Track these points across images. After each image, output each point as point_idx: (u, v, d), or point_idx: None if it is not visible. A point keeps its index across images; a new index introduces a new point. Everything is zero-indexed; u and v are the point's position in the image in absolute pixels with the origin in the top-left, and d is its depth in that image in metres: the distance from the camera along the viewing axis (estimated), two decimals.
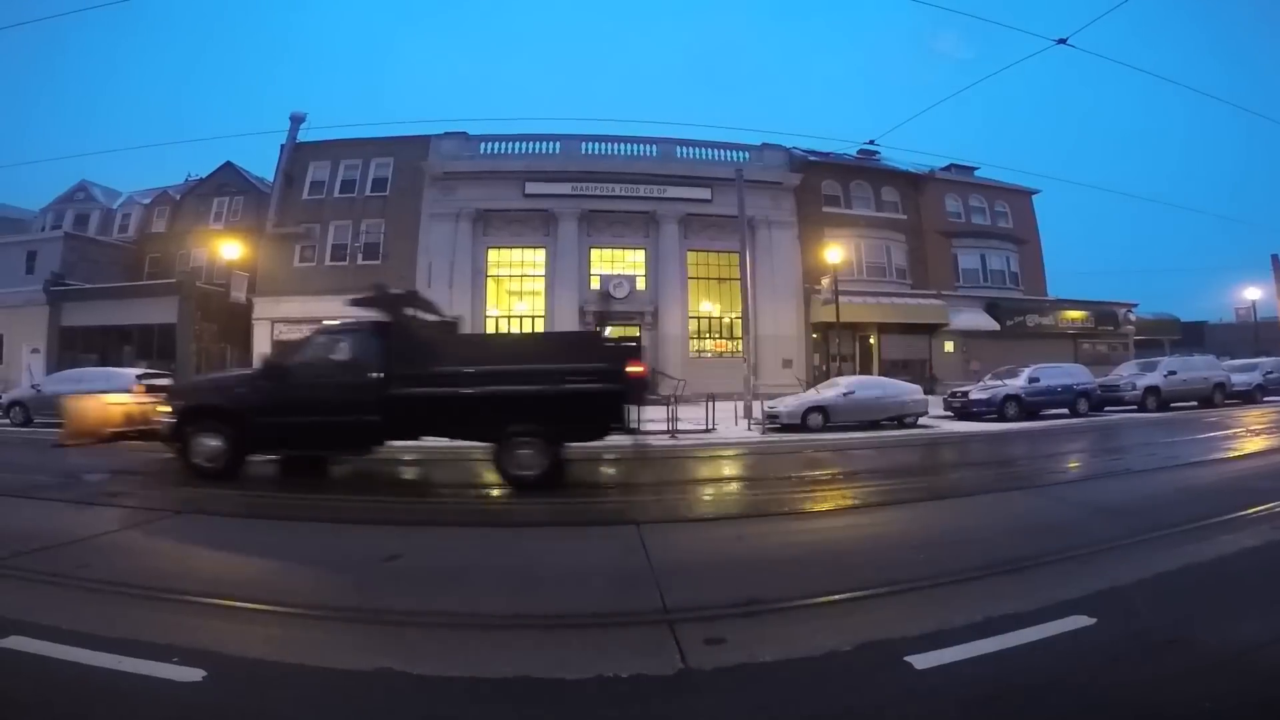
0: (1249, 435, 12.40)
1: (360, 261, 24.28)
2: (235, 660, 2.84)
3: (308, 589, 4.00)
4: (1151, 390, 18.08)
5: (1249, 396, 19.75)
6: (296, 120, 25.70)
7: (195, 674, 2.65)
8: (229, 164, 28.80)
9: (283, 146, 25.55)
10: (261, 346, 23.82)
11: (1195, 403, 18.60)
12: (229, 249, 21.25)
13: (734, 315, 24.17)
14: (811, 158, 26.86)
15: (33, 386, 15.99)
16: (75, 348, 23.61)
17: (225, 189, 28.25)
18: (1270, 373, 21.11)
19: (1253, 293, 31.56)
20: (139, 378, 15.01)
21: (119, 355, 22.25)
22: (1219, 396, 18.92)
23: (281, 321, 24.19)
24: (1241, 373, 20.40)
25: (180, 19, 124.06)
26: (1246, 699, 2.46)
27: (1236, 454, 10.07)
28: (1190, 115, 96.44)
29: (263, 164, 28.18)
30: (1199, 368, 19.51)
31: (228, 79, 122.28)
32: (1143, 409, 17.66)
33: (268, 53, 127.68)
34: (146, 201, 30.40)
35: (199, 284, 24.67)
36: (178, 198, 29.65)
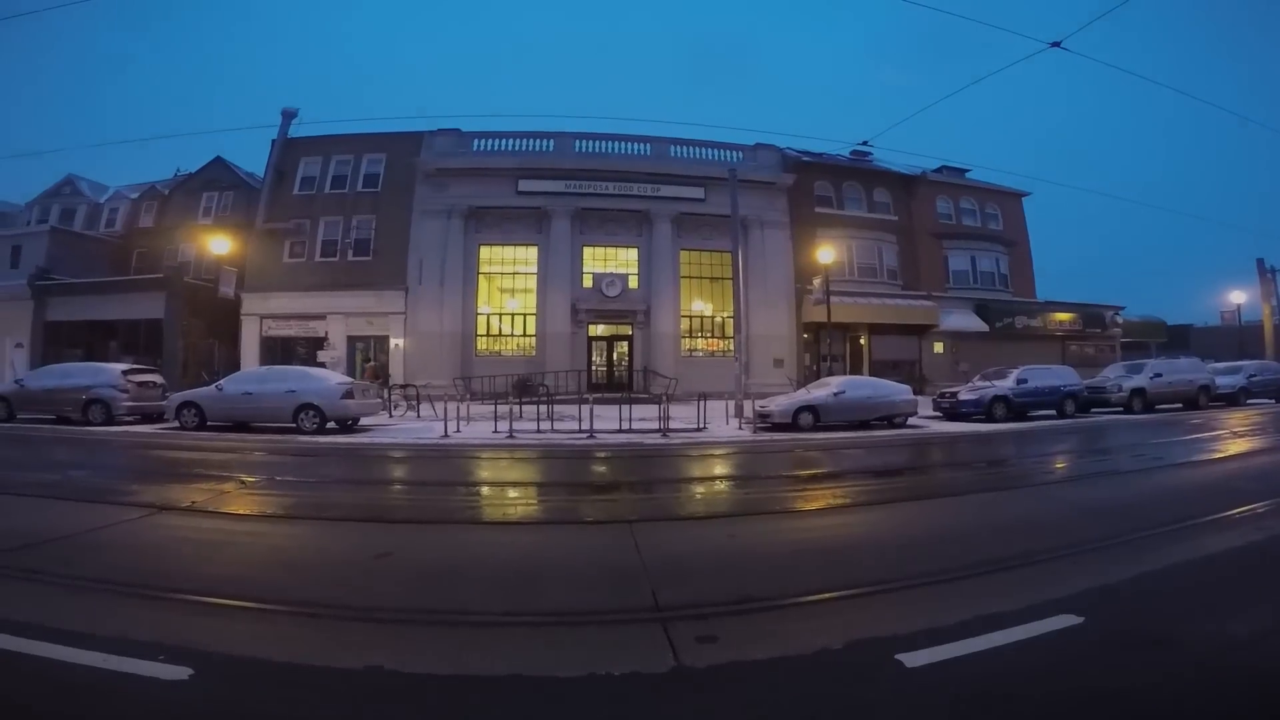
0: (1232, 437, 12.56)
1: (351, 258, 24.13)
2: (222, 658, 2.81)
3: (296, 586, 3.97)
4: (1137, 392, 18.28)
5: (1233, 399, 20.01)
6: (288, 115, 25.51)
7: (181, 672, 2.62)
8: (219, 159, 28.51)
9: (274, 142, 25.35)
10: (249, 342, 23.70)
11: (1180, 405, 18.81)
12: (218, 244, 21.01)
13: (726, 314, 24.24)
14: (805, 158, 26.94)
15: (16, 381, 15.77)
16: (60, 343, 23.33)
17: (215, 184, 27.94)
18: (1254, 375, 21.40)
19: (1238, 296, 31.94)
20: (125, 373, 14.86)
21: (105, 351, 22.00)
22: (1204, 399, 19.16)
23: (270, 317, 24.03)
24: (1226, 375, 20.64)
25: (171, 13, 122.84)
26: (1231, 697, 2.49)
27: (1220, 455, 10.20)
28: (1179, 118, 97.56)
29: (253, 159, 28.00)
30: (1184, 370, 19.73)
31: (220, 74, 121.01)
32: (1129, 411, 17.86)
33: (261, 49, 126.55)
34: (134, 196, 30.03)
35: (187, 279, 24.40)
36: (166, 192, 29.32)
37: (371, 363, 20.58)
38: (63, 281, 24.37)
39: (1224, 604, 3.53)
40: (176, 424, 13.63)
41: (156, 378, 15.89)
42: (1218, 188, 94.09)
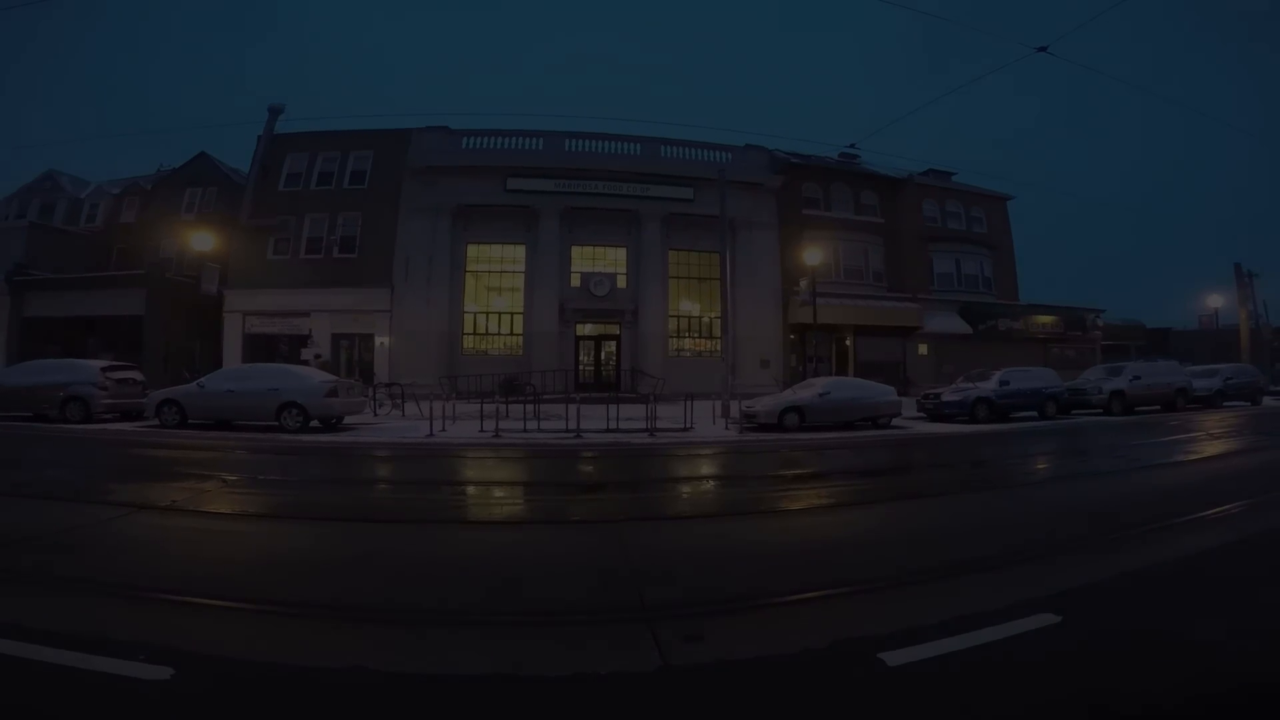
0: (1208, 439, 12.79)
1: (336, 255, 23.92)
2: (204, 658, 2.78)
3: (278, 586, 3.93)
4: (1117, 394, 18.58)
5: (1209, 401, 20.39)
6: (275, 111, 25.21)
7: (163, 672, 2.59)
8: (203, 154, 28.13)
9: (260, 137, 25.04)
10: (232, 339, 23.41)
11: (1158, 406, 19.13)
12: (200, 240, 20.70)
13: (713, 315, 24.30)
14: (793, 160, 27.08)
15: None
16: (37, 339, 22.86)
17: (198, 180, 27.55)
18: (1230, 378, 21.82)
19: (1216, 300, 32.55)
20: (104, 370, 14.62)
21: (83, 347, 21.59)
22: (1181, 401, 19.50)
23: (253, 314, 23.76)
24: (1203, 378, 21.03)
25: (158, 6, 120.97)
26: (1205, 695, 2.54)
27: (1196, 457, 10.39)
28: (1160, 123, 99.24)
29: (238, 155, 27.66)
30: (1162, 373, 20.07)
31: (205, 69, 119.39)
32: (1108, 412, 18.15)
33: (247, 44, 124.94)
34: (116, 191, 29.55)
35: (168, 275, 24.04)
36: (149, 188, 28.88)
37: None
38: (41, 277, 23.92)
39: (1199, 604, 3.59)
40: (157, 422, 13.43)
41: (136, 375, 15.65)
42: (1198, 193, 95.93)
